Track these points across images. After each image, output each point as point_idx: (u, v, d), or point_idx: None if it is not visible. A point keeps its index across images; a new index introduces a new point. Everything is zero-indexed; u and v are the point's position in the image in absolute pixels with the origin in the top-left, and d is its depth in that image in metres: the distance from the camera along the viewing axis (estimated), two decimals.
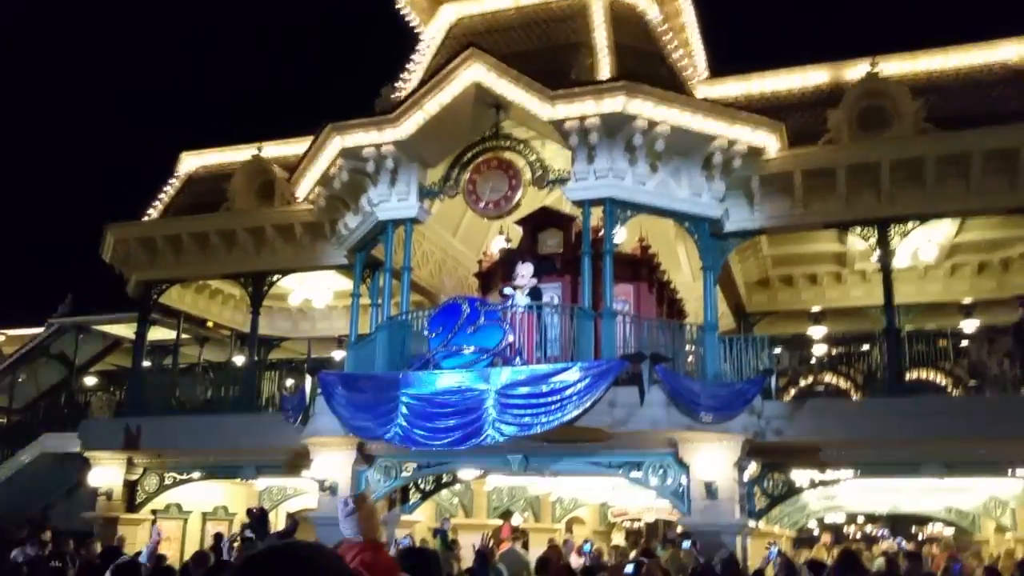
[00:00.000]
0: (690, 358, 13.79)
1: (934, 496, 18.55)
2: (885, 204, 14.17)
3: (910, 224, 14.24)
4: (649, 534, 22.48)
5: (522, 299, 13.21)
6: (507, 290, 13.50)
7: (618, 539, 21.28)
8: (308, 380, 13.82)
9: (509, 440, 11.97)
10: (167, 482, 17.48)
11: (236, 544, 12.71)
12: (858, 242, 15.38)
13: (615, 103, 12.79)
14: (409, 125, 13.77)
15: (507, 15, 16.92)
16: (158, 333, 20.29)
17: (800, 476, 14.32)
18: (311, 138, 14.97)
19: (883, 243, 14.18)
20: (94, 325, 22.17)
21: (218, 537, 14.69)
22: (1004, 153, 13.58)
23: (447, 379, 12.35)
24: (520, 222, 14.94)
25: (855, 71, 16.02)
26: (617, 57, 15.10)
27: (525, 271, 13.55)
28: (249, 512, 11.78)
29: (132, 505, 17.45)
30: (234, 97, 63.50)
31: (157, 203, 19.58)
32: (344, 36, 66.86)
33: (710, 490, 12.60)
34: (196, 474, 17.36)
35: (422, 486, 14.83)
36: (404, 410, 12.38)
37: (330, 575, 2.09)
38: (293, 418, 14.15)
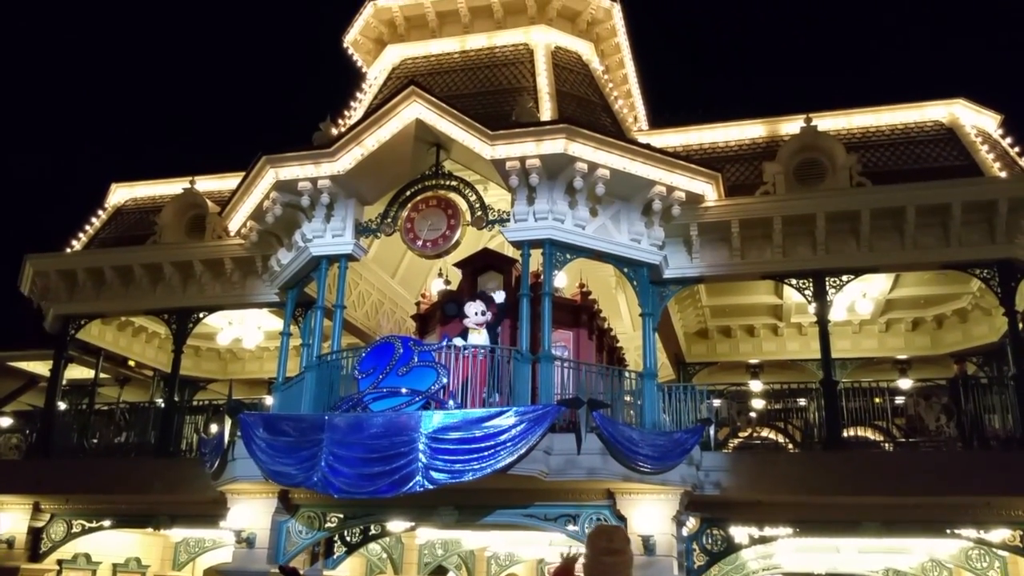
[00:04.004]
0: (631, 412, 13.47)
1: (873, 557, 18.36)
2: (821, 256, 14.25)
3: (845, 277, 14.31)
4: None
5: (480, 339, 12.83)
6: (468, 323, 13.11)
7: None
8: (227, 422, 13.08)
9: (439, 488, 11.42)
10: (75, 530, 16.44)
11: None
12: (794, 295, 15.42)
13: (555, 145, 12.70)
14: (347, 160, 13.48)
15: (451, 58, 16.92)
16: (78, 372, 19.35)
17: (739, 533, 14.02)
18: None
19: (819, 295, 14.21)
20: (8, 362, 21.02)
21: None
22: (937, 209, 13.78)
23: (376, 422, 11.79)
24: (460, 264, 14.65)
25: (790, 126, 16.32)
26: (559, 102, 15.13)
27: (476, 308, 13.17)
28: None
29: (36, 554, 16.34)
30: (175, 134, 62.68)
31: (82, 235, 18.80)
32: (289, 75, 66.86)
33: (648, 545, 12.19)
34: (107, 522, 16.37)
35: (348, 538, 14.10)
36: (328, 455, 11.75)
37: None
38: (210, 463, 13.37)
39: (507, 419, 11.50)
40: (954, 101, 16.12)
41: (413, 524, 13.97)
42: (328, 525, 13.28)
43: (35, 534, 16.41)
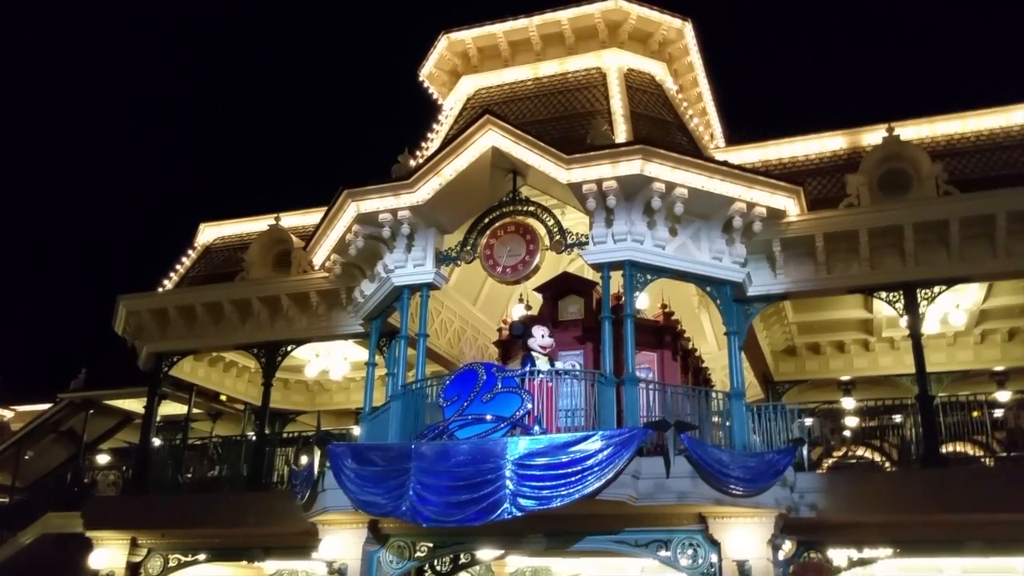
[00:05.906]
0: (720, 433, 13.21)
1: None
2: (910, 268, 13.84)
3: (936, 288, 13.86)
4: None
5: (543, 364, 12.81)
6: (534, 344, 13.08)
7: None
8: (316, 453, 13.30)
9: (527, 515, 11.37)
10: (172, 564, 16.77)
11: None
12: (884, 309, 14.99)
13: (632, 166, 12.66)
14: (425, 190, 13.70)
15: (525, 86, 17.12)
16: (172, 408, 19.93)
17: (837, 555, 13.59)
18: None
19: (910, 308, 13.78)
20: (105, 400, 21.83)
21: None
22: None
23: (462, 450, 11.83)
24: (540, 289, 14.70)
25: (872, 137, 15.99)
26: (634, 124, 15.12)
27: (543, 331, 13.17)
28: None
29: None
30: (259, 172, 65.13)
31: (173, 274, 19.50)
32: (369, 111, 68.89)
33: (743, 570, 11.88)
34: (202, 555, 16.68)
35: (438, 567, 14.05)
36: (416, 483, 11.84)
37: None
38: (300, 494, 13.59)
39: (593, 443, 11.41)
40: None
41: (503, 552, 13.91)
42: (418, 554, 13.31)
43: (133, 569, 16.77)
